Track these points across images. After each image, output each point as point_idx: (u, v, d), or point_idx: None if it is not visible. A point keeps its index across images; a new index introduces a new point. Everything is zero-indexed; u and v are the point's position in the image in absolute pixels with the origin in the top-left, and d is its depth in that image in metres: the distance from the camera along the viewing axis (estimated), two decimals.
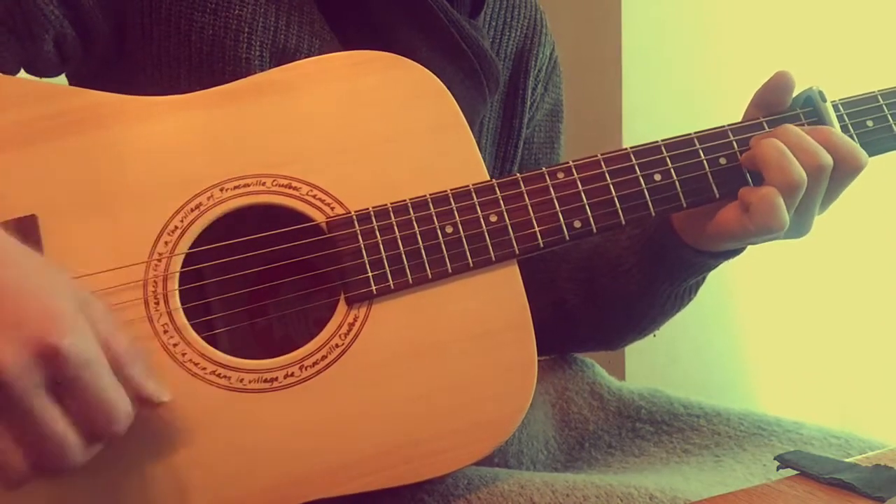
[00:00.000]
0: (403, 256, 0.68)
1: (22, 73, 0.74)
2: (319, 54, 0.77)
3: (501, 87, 0.89)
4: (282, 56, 0.77)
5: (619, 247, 0.83)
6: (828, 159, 0.72)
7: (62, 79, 0.80)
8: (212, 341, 0.66)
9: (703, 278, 0.84)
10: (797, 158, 0.71)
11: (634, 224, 0.73)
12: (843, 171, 0.73)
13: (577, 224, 0.71)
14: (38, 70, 0.75)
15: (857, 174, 0.74)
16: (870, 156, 0.77)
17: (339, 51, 0.76)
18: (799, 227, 0.75)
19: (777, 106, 0.76)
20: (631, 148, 0.73)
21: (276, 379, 0.65)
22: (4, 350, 0.51)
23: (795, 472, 0.67)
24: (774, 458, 0.69)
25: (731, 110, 0.80)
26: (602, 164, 0.72)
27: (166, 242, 0.66)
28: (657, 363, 1.70)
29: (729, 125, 0.75)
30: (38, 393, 0.53)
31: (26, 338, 0.52)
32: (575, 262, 0.87)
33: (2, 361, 0.51)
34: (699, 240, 0.78)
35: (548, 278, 0.87)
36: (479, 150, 0.72)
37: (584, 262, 0.87)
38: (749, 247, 0.79)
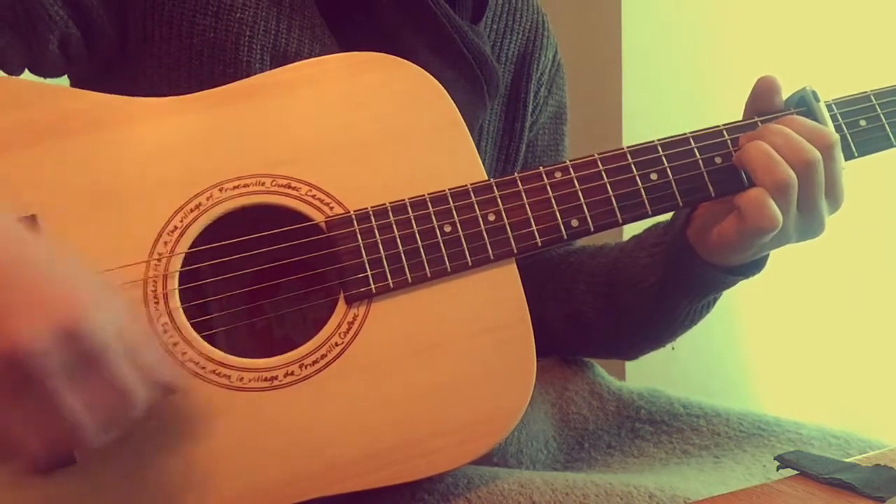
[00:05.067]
0: (402, 255, 0.68)
1: (26, 74, 0.75)
2: None
3: (503, 90, 0.89)
4: (282, 59, 0.77)
5: (639, 265, 0.83)
6: (815, 154, 0.71)
7: (63, 79, 0.80)
8: (211, 341, 0.66)
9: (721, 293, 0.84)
10: (784, 156, 0.71)
11: (631, 221, 0.73)
12: (826, 158, 0.71)
13: (575, 223, 0.72)
14: (42, 71, 0.75)
15: (832, 152, 0.72)
16: (863, 155, 0.77)
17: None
18: (808, 225, 0.74)
19: (769, 109, 0.76)
20: (627, 147, 0.74)
21: (276, 378, 0.65)
22: (26, 328, 0.52)
23: (795, 472, 0.67)
24: (774, 458, 0.69)
25: (731, 110, 0.80)
26: (599, 163, 0.73)
27: (166, 242, 0.66)
28: (657, 363, 1.69)
29: (724, 124, 0.75)
30: (57, 373, 0.53)
31: (47, 318, 0.52)
32: (593, 275, 0.87)
33: (23, 339, 0.51)
34: (708, 253, 0.77)
35: (563, 290, 0.87)
36: (480, 153, 0.72)
37: (604, 277, 0.86)
38: None
